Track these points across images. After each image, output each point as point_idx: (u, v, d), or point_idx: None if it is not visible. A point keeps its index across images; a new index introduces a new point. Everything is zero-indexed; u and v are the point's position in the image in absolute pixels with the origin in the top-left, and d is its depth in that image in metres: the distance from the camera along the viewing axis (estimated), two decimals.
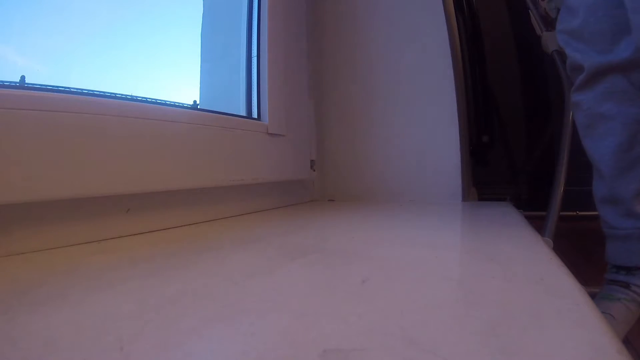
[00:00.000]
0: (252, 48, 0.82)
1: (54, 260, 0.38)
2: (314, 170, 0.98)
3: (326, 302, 0.25)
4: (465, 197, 0.90)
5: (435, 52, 0.91)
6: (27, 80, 0.49)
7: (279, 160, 0.81)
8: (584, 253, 1.16)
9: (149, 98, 0.62)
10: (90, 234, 0.47)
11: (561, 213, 0.74)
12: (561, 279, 0.28)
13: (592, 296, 0.49)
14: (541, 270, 0.31)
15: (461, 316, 0.22)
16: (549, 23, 0.98)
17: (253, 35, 0.82)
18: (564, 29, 0.69)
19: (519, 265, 0.33)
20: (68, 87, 0.51)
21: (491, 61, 1.46)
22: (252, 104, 0.81)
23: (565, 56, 0.92)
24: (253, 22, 0.82)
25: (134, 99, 0.60)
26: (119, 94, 0.59)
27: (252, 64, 0.82)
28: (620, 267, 0.67)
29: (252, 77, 0.81)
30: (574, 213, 1.62)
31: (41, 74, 0.54)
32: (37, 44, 0.57)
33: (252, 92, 0.81)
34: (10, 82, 0.48)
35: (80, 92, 0.51)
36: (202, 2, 0.87)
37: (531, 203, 1.66)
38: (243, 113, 0.81)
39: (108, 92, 0.57)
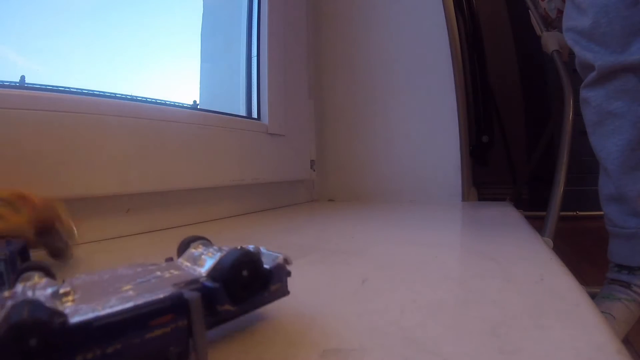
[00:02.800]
0: (252, 48, 0.82)
1: None
2: (314, 170, 0.98)
3: (326, 302, 0.25)
4: (465, 197, 0.90)
5: (435, 52, 0.91)
6: (27, 80, 0.49)
7: (279, 160, 0.81)
8: (584, 253, 1.16)
9: (149, 98, 0.62)
10: (91, 234, 0.47)
11: (561, 213, 0.74)
12: (561, 279, 0.28)
13: (592, 296, 0.49)
14: (541, 270, 0.31)
15: (461, 316, 0.22)
16: (549, 23, 0.98)
17: (253, 35, 0.82)
18: (572, 28, 0.68)
19: (519, 265, 0.33)
20: (68, 87, 0.51)
21: (491, 61, 1.46)
22: (252, 104, 0.81)
23: (566, 56, 0.92)
24: (253, 22, 0.82)
25: (134, 99, 0.60)
26: (119, 94, 0.59)
27: (252, 64, 0.82)
28: (623, 266, 0.67)
29: (252, 77, 0.81)
30: (574, 213, 1.62)
31: (41, 74, 0.54)
32: (37, 44, 0.57)
33: (252, 92, 0.81)
34: (10, 82, 0.48)
35: (80, 92, 0.51)
36: (202, 2, 0.87)
37: (531, 203, 1.66)
38: (243, 113, 0.81)
39: (108, 92, 0.57)
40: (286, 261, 0.20)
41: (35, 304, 0.13)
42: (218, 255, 0.19)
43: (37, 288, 0.17)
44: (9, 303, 0.13)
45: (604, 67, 0.62)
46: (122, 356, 0.14)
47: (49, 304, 0.14)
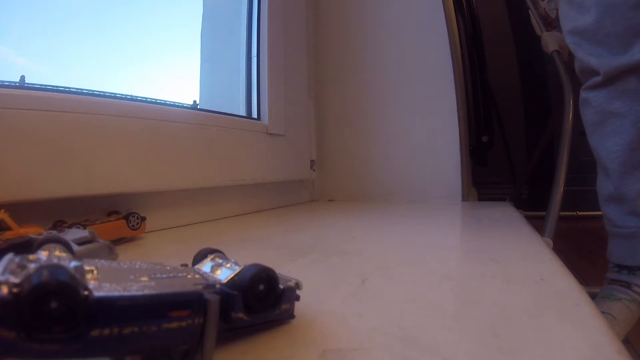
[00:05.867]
0: (252, 48, 0.82)
1: None
2: (314, 170, 0.98)
3: (326, 302, 0.25)
4: (465, 197, 0.90)
5: (435, 52, 0.91)
6: (27, 80, 0.49)
7: (279, 160, 0.81)
8: (584, 253, 1.16)
9: (149, 98, 0.62)
10: None
11: (561, 213, 0.74)
12: (561, 279, 0.28)
13: (592, 296, 0.49)
14: (541, 270, 0.31)
15: (461, 316, 0.22)
16: (549, 23, 0.98)
17: (253, 35, 0.82)
18: (573, 29, 0.67)
19: (519, 265, 0.33)
20: (68, 87, 0.51)
21: (491, 61, 1.46)
22: (252, 104, 0.81)
23: (566, 56, 0.91)
24: (253, 23, 0.82)
25: (134, 99, 0.60)
26: (119, 94, 0.59)
27: (252, 64, 0.82)
28: (623, 266, 0.67)
29: (252, 77, 0.81)
30: (574, 213, 1.62)
31: (41, 74, 0.54)
32: (37, 44, 0.57)
33: (252, 92, 0.81)
34: (10, 82, 0.48)
35: (80, 92, 0.51)
36: (202, 2, 0.87)
37: (531, 203, 1.66)
38: (243, 113, 0.81)
39: (108, 92, 0.57)
40: (297, 286, 0.21)
41: (61, 269, 0.13)
42: (237, 268, 0.20)
43: (62, 259, 0.17)
44: (33, 265, 0.13)
45: (609, 73, 0.62)
46: (136, 340, 0.14)
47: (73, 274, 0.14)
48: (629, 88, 0.62)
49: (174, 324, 0.15)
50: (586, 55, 0.65)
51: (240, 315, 0.18)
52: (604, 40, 0.62)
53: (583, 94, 0.69)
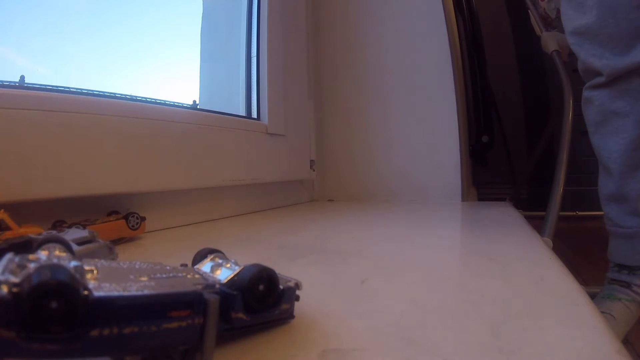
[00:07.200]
0: (252, 48, 0.82)
1: None
2: (314, 170, 0.98)
3: (326, 302, 0.25)
4: (465, 197, 0.90)
5: (436, 52, 0.91)
6: (27, 80, 0.49)
7: (278, 160, 0.81)
8: (584, 253, 1.16)
9: (149, 98, 0.62)
10: None
11: (561, 213, 0.74)
12: (561, 279, 0.28)
13: (592, 296, 0.49)
14: (541, 270, 0.31)
15: (461, 316, 0.22)
16: (549, 23, 0.98)
17: (252, 35, 0.82)
18: (575, 30, 0.67)
19: (519, 265, 0.33)
20: (68, 87, 0.51)
21: (491, 61, 1.46)
22: (252, 104, 0.81)
23: (566, 56, 0.92)
24: (252, 22, 0.82)
25: (134, 99, 0.60)
26: (119, 94, 0.59)
27: (252, 64, 0.82)
28: (623, 266, 0.67)
29: (252, 77, 0.81)
30: (574, 213, 1.62)
31: (41, 74, 0.54)
32: (37, 44, 0.57)
33: (252, 92, 0.81)
34: (10, 82, 0.48)
35: (80, 92, 0.51)
36: (202, 2, 0.87)
37: (531, 203, 1.66)
38: (243, 113, 0.81)
39: (108, 92, 0.57)
40: (297, 286, 0.21)
41: (61, 269, 0.13)
42: (237, 268, 0.20)
43: (61, 259, 0.17)
44: (33, 265, 0.13)
45: (612, 75, 0.62)
46: (136, 340, 0.14)
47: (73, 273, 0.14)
48: (632, 88, 0.62)
49: (174, 324, 0.15)
50: (589, 57, 0.65)
51: (240, 315, 0.18)
52: (606, 41, 0.62)
53: (586, 93, 0.69)
